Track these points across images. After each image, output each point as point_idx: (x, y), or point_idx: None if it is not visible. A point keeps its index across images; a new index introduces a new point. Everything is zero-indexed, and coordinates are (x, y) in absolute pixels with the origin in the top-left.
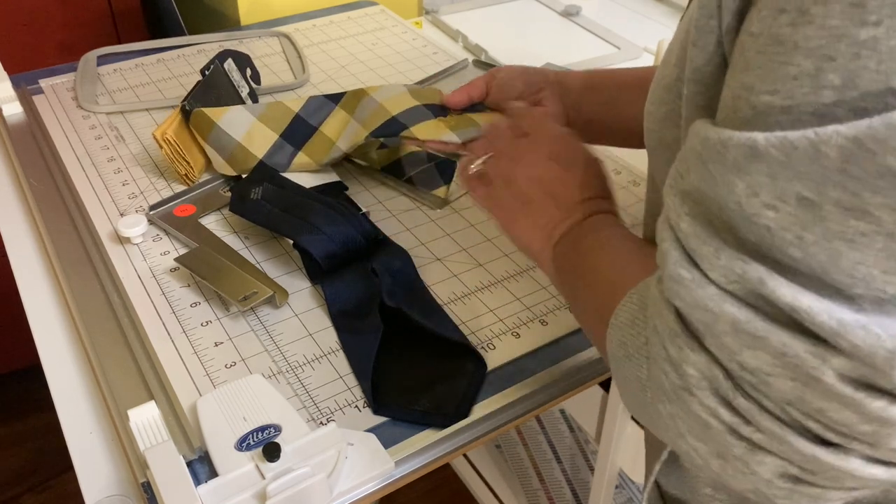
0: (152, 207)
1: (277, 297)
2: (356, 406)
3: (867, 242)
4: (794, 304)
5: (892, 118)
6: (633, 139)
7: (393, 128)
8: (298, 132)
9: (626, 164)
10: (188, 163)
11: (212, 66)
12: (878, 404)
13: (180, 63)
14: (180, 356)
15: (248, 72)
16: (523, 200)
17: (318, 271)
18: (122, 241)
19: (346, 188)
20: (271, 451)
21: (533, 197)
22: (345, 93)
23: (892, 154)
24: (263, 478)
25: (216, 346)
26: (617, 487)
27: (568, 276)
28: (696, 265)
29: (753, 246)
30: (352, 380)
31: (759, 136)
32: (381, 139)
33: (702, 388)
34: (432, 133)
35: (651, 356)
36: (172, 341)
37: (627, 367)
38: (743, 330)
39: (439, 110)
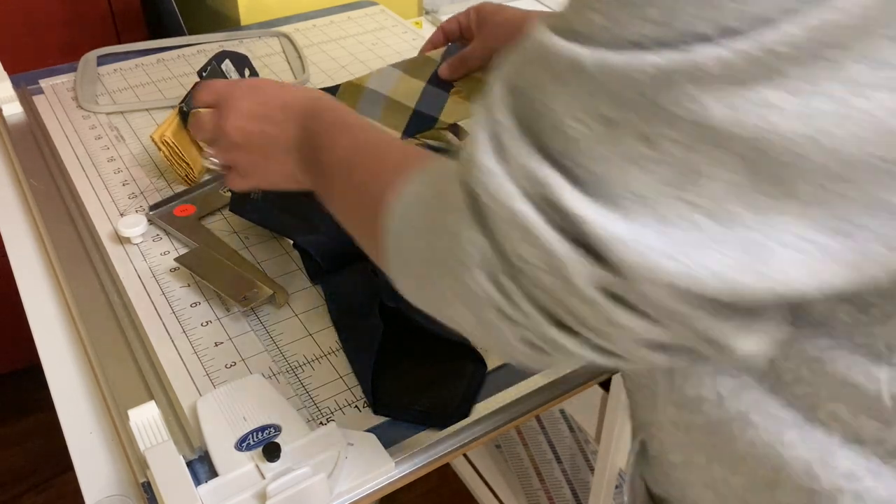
0: (152, 207)
1: (277, 297)
2: (356, 406)
3: (652, 168)
4: (577, 213)
5: (696, 61)
6: None
7: (425, 123)
8: None
9: None
10: (187, 163)
11: (209, 67)
12: (621, 314)
13: (180, 63)
14: (180, 356)
15: (247, 72)
16: (251, 149)
17: (318, 271)
18: (122, 241)
19: None
20: (271, 451)
21: (253, 140)
22: (339, 86)
23: (687, 97)
24: (263, 478)
25: (216, 346)
26: (617, 487)
27: (322, 179)
28: (502, 159)
29: (557, 154)
30: (352, 380)
31: (583, 52)
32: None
33: (476, 266)
34: (460, 115)
35: (433, 227)
36: (172, 341)
37: (407, 238)
38: (526, 228)
39: (440, 80)
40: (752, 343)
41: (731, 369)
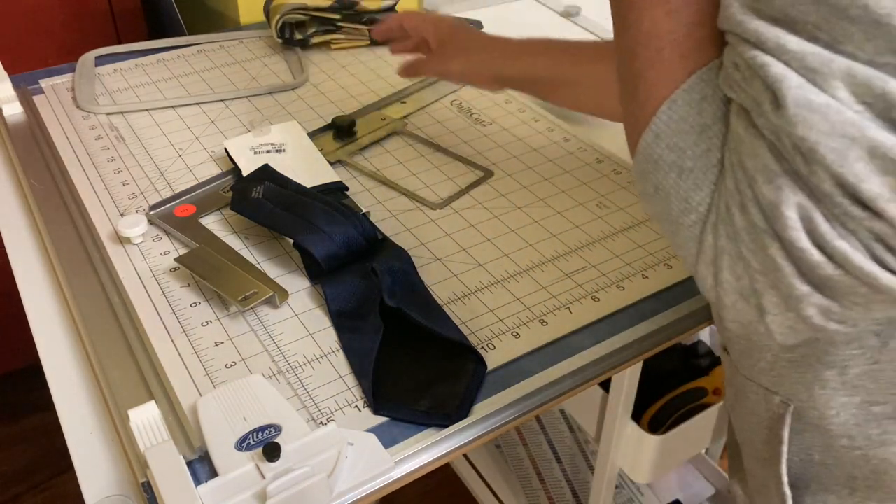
0: (152, 207)
1: (277, 297)
2: (356, 406)
3: None
4: None
5: None
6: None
7: None
8: None
9: (627, 164)
10: None
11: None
12: None
13: (180, 63)
14: (180, 356)
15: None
16: None
17: (318, 271)
18: (122, 241)
19: (347, 188)
20: (271, 451)
21: None
22: None
23: None
24: (263, 478)
25: (216, 346)
26: (617, 487)
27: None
28: (823, 88)
29: (883, 55)
30: (352, 380)
31: None
32: None
33: (797, 230)
34: None
35: (723, 190)
36: (172, 341)
37: (673, 180)
38: (882, 155)
39: None
40: None
41: None
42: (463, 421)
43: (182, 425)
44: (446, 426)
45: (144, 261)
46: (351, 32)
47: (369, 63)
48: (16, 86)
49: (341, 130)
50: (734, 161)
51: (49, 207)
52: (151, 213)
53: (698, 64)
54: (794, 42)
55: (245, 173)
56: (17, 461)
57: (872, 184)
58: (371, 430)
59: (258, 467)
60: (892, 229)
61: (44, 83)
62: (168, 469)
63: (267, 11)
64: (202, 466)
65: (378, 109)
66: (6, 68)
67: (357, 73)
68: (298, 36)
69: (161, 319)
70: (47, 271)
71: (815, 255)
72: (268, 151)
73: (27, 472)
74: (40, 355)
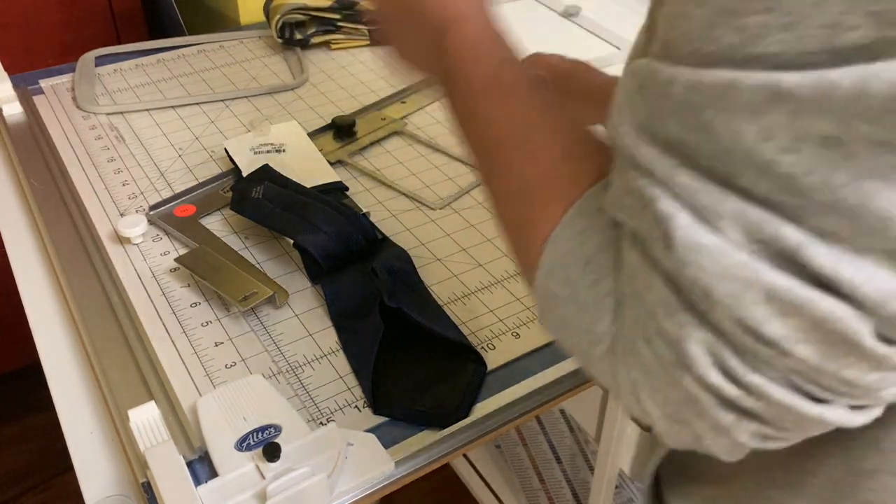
0: (152, 207)
1: (277, 297)
2: (356, 406)
3: None
4: (835, 274)
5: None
6: None
7: None
8: None
9: None
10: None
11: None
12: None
13: (180, 63)
14: (180, 356)
15: None
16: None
17: (318, 271)
18: (122, 241)
19: (347, 188)
20: (271, 451)
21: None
22: None
23: None
24: (263, 478)
25: (216, 346)
26: (617, 487)
27: (459, 128)
28: (711, 227)
29: (777, 194)
30: (352, 380)
31: (787, 77)
32: None
33: (705, 366)
34: None
35: (625, 321)
36: (172, 341)
37: (574, 313)
38: (780, 299)
39: None
40: None
41: None
42: (463, 421)
43: (182, 425)
44: (446, 426)
45: (144, 261)
46: (351, 32)
47: (369, 63)
48: (16, 86)
49: (341, 130)
50: (630, 291)
51: (49, 207)
52: (151, 213)
53: (571, 198)
54: (685, 176)
55: (245, 173)
56: (17, 461)
57: (774, 326)
58: (371, 430)
59: (258, 467)
60: (806, 366)
61: (44, 83)
62: (168, 469)
63: (267, 11)
64: (202, 466)
65: (378, 109)
66: (6, 68)
67: (357, 73)
68: (298, 36)
69: (161, 320)
70: (47, 271)
71: (731, 390)
72: (268, 151)
73: (27, 472)
74: (40, 355)
